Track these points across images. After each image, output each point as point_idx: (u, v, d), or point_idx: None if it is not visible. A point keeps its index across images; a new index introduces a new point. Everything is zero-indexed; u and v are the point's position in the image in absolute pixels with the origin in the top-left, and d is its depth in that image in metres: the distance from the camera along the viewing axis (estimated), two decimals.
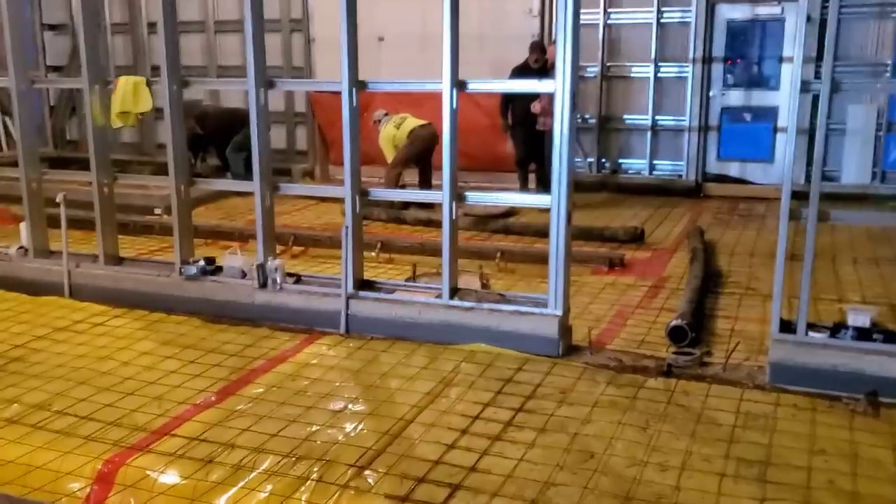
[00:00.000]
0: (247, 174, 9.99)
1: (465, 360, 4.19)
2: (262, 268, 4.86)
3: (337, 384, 3.90)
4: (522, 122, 8.78)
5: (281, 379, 3.97)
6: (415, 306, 4.52)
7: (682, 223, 7.92)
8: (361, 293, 4.66)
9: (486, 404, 3.67)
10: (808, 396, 3.67)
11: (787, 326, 3.88)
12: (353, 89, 4.56)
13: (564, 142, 4.07)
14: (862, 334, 3.74)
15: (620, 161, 10.01)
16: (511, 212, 8.38)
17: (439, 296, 4.52)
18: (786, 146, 3.80)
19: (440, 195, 4.58)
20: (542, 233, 7.46)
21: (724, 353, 4.18)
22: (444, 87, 4.31)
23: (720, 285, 5.73)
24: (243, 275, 4.98)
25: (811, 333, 3.82)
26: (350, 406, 3.65)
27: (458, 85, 4.33)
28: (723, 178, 9.46)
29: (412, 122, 8.53)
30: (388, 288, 4.82)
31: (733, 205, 8.85)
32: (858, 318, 3.75)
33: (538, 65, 8.41)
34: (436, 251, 6.62)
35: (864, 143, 8.82)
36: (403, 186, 8.72)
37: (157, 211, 7.71)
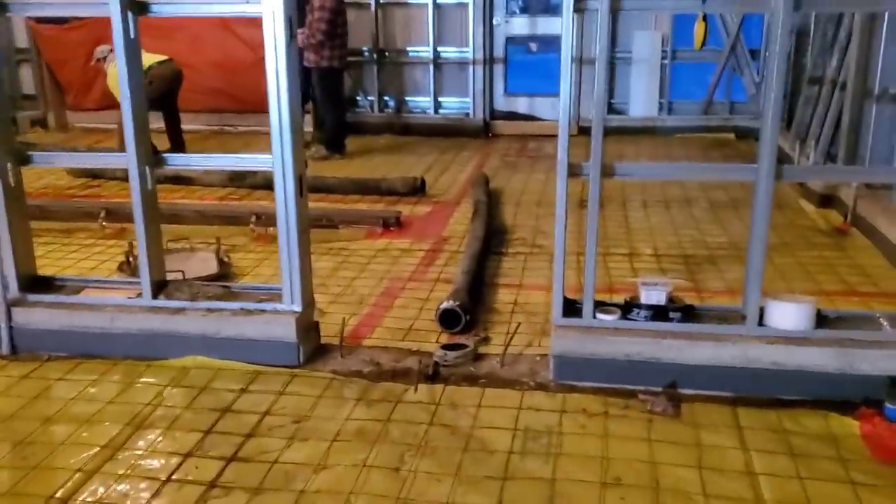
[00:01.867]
0: None
1: (171, 384, 3.13)
2: None
3: None
4: None
5: None
6: (106, 311, 3.36)
7: (469, 169, 7.18)
8: (32, 296, 3.44)
9: (188, 454, 2.66)
10: (600, 395, 2.99)
11: (572, 307, 3.17)
12: (130, 13, 3.19)
13: (282, 84, 3.04)
14: (657, 313, 3.09)
15: (407, 99, 9.11)
16: None
17: (140, 294, 3.40)
18: (561, 79, 3.00)
19: (125, 158, 3.40)
20: (317, 187, 6.55)
21: (505, 337, 3.43)
22: (113, 9, 3.11)
23: (504, 244, 5.02)
24: None
25: (600, 315, 3.12)
26: None
27: (136, 6, 3.15)
28: (511, 116, 8.83)
29: (147, 58, 7.07)
30: (72, 286, 3.61)
31: (522, 144, 8.26)
32: (652, 294, 3.09)
33: None
34: (189, 218, 5.47)
35: (651, 73, 8.49)
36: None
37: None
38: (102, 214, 5.44)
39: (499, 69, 8.79)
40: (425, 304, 3.97)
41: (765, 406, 2.88)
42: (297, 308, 3.27)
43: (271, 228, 5.32)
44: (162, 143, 7.46)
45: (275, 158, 3.14)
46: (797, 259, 4.60)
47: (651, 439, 2.71)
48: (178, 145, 7.45)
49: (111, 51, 7.11)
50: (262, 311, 3.30)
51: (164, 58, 7.10)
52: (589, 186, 3.08)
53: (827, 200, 5.62)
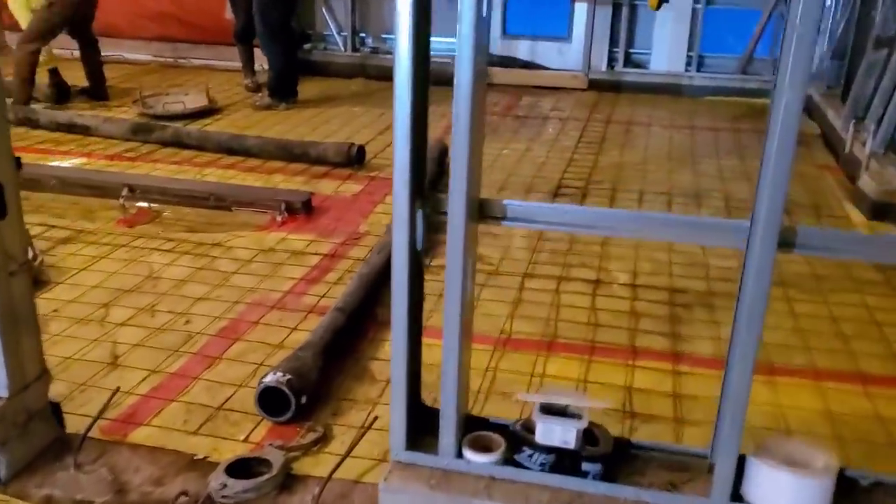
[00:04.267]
0: None
1: None
2: None
3: None
4: None
5: None
6: None
7: (436, 131, 5.82)
8: None
9: None
10: None
11: (427, 423, 1.91)
12: None
13: None
14: (563, 460, 1.81)
15: (385, 37, 7.69)
16: (210, 108, 6.00)
17: None
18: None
19: None
20: (234, 149, 5.24)
21: (353, 435, 2.21)
22: None
23: (432, 253, 3.73)
24: None
25: (469, 454, 1.85)
26: None
27: None
28: (509, 62, 7.37)
29: None
30: None
31: (514, 98, 6.83)
32: (554, 430, 1.80)
33: None
34: (48, 186, 4.28)
35: (678, 19, 6.93)
36: (53, 75, 6.07)
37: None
38: None
39: (497, 5, 7.30)
40: (270, 356, 2.74)
41: None
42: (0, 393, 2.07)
43: (153, 205, 4.17)
44: (81, 78, 6.25)
45: None
46: (828, 307, 3.25)
47: None
48: (97, 85, 6.21)
49: None
50: None
51: None
52: (449, 232, 1.78)
53: (883, 210, 4.19)
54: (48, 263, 3.43)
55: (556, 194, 4.52)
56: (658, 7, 5.67)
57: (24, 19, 5.79)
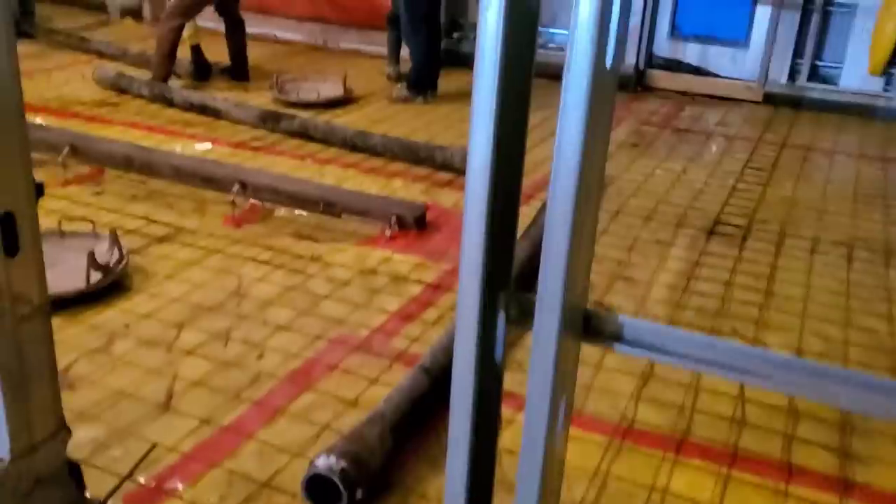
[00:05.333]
0: (22, 13, 7.25)
1: None
2: None
3: None
4: None
5: None
6: None
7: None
8: None
9: None
10: None
11: None
12: None
13: None
14: None
15: (542, 30, 7.12)
16: (347, 97, 5.70)
17: None
18: None
19: None
20: (358, 146, 4.90)
21: None
22: None
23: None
24: None
25: None
26: None
27: None
28: (675, 66, 6.62)
29: None
30: None
31: (677, 107, 6.10)
32: None
33: None
34: (164, 174, 4.12)
35: None
36: (195, 52, 5.97)
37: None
38: (66, 150, 4.19)
39: (665, 2, 6.56)
40: (340, 416, 2.34)
41: None
42: None
43: (266, 204, 3.90)
44: (224, 55, 6.12)
45: None
46: None
47: None
48: (239, 65, 6.06)
49: None
50: None
51: None
52: (534, 355, 1.27)
53: None
54: (136, 266, 3.19)
55: (711, 232, 3.85)
56: (882, 73, 5.05)
57: None
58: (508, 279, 1.34)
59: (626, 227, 3.86)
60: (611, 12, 1.02)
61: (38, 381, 1.77)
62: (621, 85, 6.28)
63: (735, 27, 6.36)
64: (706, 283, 3.33)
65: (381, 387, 2.49)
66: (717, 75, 6.50)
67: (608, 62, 1.07)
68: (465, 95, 6.12)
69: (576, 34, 1.01)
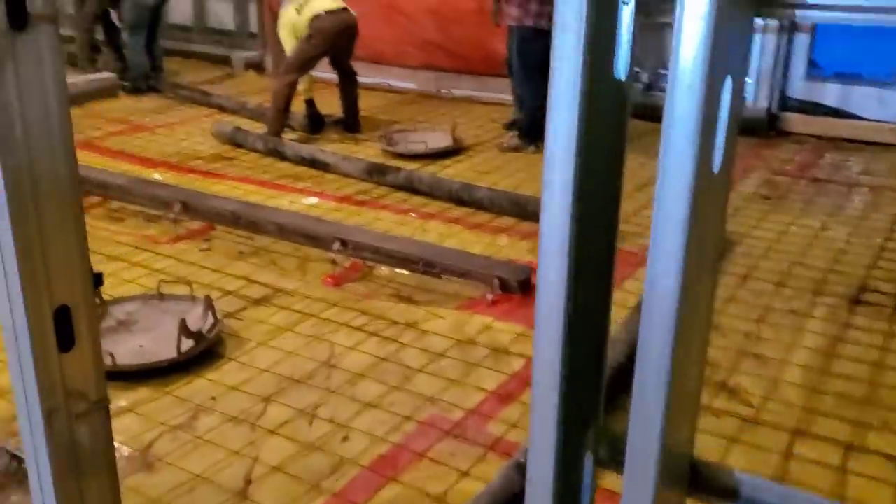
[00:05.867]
0: (152, 68, 7.58)
1: None
2: None
3: None
4: None
5: None
6: None
7: None
8: None
9: None
10: None
11: None
12: None
13: None
14: None
15: (663, 72, 6.79)
16: (455, 147, 5.57)
17: None
18: None
19: None
20: (463, 199, 4.70)
21: None
22: None
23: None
24: None
25: None
26: None
27: None
28: (812, 108, 6.11)
29: (318, 4, 5.69)
30: None
31: (816, 154, 5.59)
32: None
33: None
34: (268, 231, 4.10)
35: None
36: (309, 106, 6.00)
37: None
38: (178, 207, 4.25)
39: (801, 40, 6.09)
40: None
41: None
42: None
43: (367, 263, 3.79)
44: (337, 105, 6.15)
45: None
46: None
47: None
48: (351, 117, 6.06)
49: None
50: None
51: (336, 6, 5.68)
52: (625, 493, 1.00)
53: None
54: (230, 330, 3.12)
55: (856, 301, 3.41)
56: None
57: (291, 49, 5.76)
58: (597, 409, 1.11)
59: (755, 294, 3.47)
60: (718, 101, 0.77)
61: (94, 479, 1.65)
62: (751, 129, 5.90)
63: (883, 64, 5.80)
64: (850, 364, 2.91)
65: (473, 481, 2.26)
66: (860, 118, 5.94)
67: (716, 164, 0.82)
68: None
69: (671, 132, 0.77)
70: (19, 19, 1.33)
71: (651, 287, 0.85)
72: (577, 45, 0.82)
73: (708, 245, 0.89)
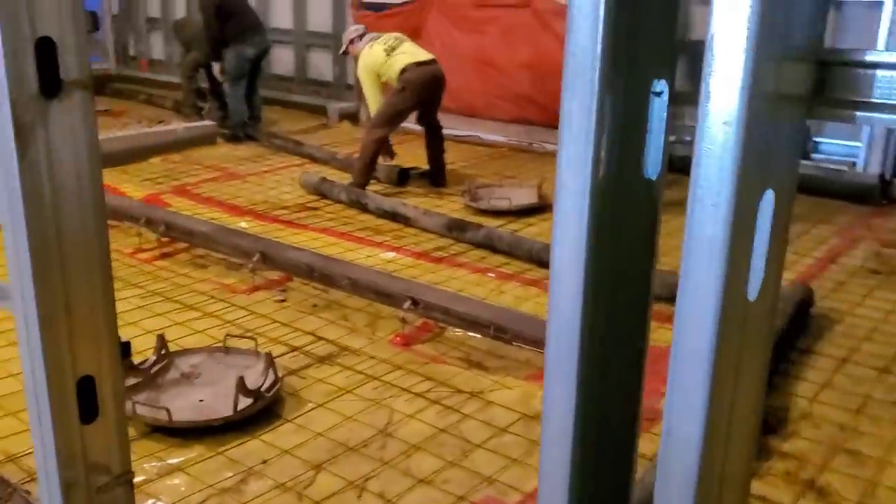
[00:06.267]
0: (250, 117, 7.82)
1: None
2: None
3: None
4: None
5: None
6: None
7: (799, 266, 4.52)
8: None
9: None
10: None
11: None
12: None
13: None
14: None
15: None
16: (541, 204, 5.44)
17: None
18: None
19: None
20: (545, 261, 4.34)
21: None
22: None
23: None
24: None
25: None
26: None
27: None
28: None
29: (409, 52, 5.69)
30: None
31: None
32: None
33: None
34: (341, 286, 4.07)
35: None
36: (392, 157, 6.02)
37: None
38: (256, 257, 4.29)
39: None
40: None
41: None
42: None
43: (439, 324, 3.69)
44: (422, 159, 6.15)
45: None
46: None
47: None
48: (436, 170, 6.03)
49: (365, 32, 5.98)
50: None
51: (426, 57, 5.71)
52: None
53: None
54: (291, 388, 3.07)
55: (873, 271, 3.06)
56: None
57: (370, 90, 5.76)
58: None
59: (854, 380, 3.17)
60: (753, 219, 0.64)
61: None
62: (861, 197, 5.52)
63: None
64: None
65: None
66: None
67: (751, 292, 0.68)
68: (678, 205, 5.64)
69: (691, 259, 0.63)
70: (52, 86, 1.32)
71: (666, 447, 0.71)
72: (584, 153, 0.70)
73: (743, 409, 0.74)
